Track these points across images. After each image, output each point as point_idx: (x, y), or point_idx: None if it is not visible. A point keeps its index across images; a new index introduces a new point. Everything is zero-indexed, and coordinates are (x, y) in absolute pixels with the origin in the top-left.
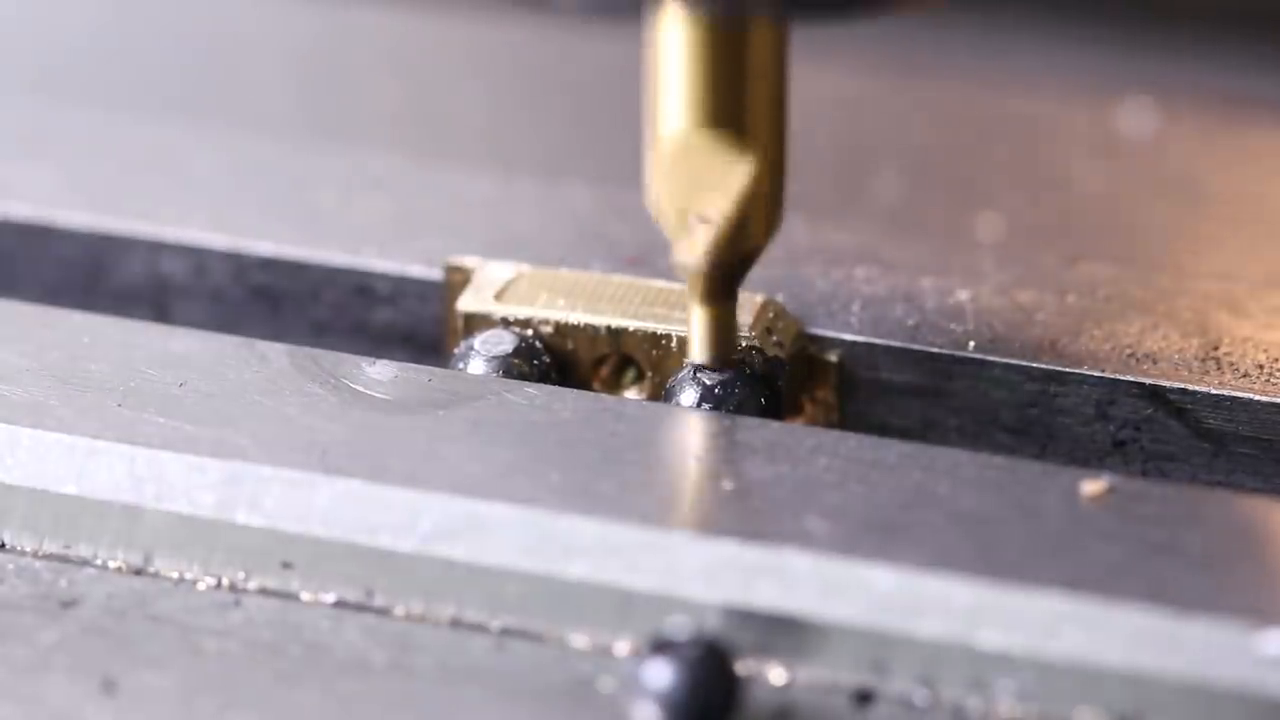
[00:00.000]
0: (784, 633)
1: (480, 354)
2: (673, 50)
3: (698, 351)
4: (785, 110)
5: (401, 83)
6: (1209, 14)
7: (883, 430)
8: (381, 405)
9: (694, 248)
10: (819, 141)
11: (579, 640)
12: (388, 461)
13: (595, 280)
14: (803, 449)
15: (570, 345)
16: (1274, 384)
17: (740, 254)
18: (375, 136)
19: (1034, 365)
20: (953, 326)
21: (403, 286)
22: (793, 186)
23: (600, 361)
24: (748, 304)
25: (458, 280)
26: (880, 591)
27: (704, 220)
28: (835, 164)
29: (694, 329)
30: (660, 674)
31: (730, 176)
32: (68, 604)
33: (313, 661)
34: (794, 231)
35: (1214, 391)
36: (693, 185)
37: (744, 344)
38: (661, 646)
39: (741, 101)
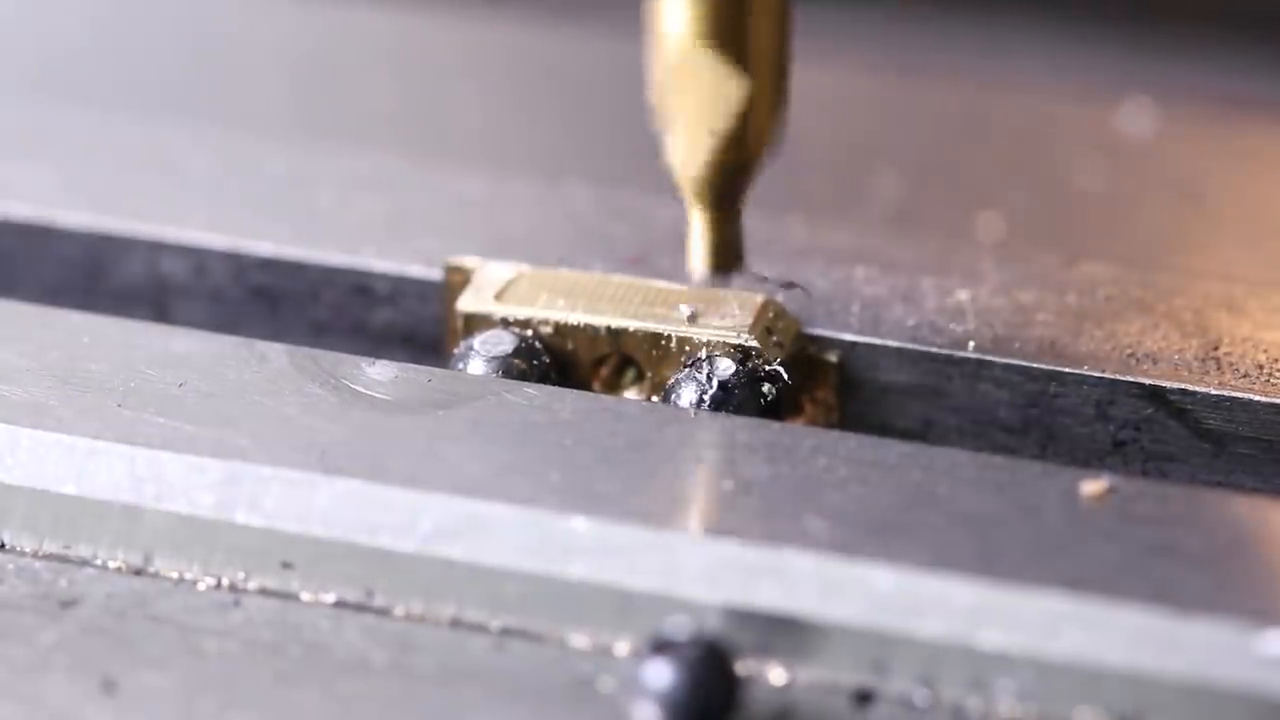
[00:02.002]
0: (784, 633)
1: (480, 354)
2: None
3: (697, 259)
4: (788, 24)
5: (399, 82)
6: (1209, 14)
7: (883, 430)
8: (381, 405)
9: (692, 155)
10: (819, 141)
11: (579, 640)
12: (388, 461)
13: (595, 280)
14: (803, 449)
15: (570, 345)
16: (1274, 384)
17: (738, 162)
18: (373, 137)
19: (1034, 365)
20: (953, 326)
21: (402, 286)
22: (793, 186)
23: (600, 361)
24: (748, 304)
25: (457, 280)
26: (880, 591)
27: (707, 133)
28: (835, 164)
29: (693, 237)
30: (660, 674)
31: (729, 88)
32: (68, 604)
33: (313, 661)
34: (794, 231)
35: (1214, 391)
36: (692, 93)
37: (745, 343)
38: (661, 646)
39: (743, 15)
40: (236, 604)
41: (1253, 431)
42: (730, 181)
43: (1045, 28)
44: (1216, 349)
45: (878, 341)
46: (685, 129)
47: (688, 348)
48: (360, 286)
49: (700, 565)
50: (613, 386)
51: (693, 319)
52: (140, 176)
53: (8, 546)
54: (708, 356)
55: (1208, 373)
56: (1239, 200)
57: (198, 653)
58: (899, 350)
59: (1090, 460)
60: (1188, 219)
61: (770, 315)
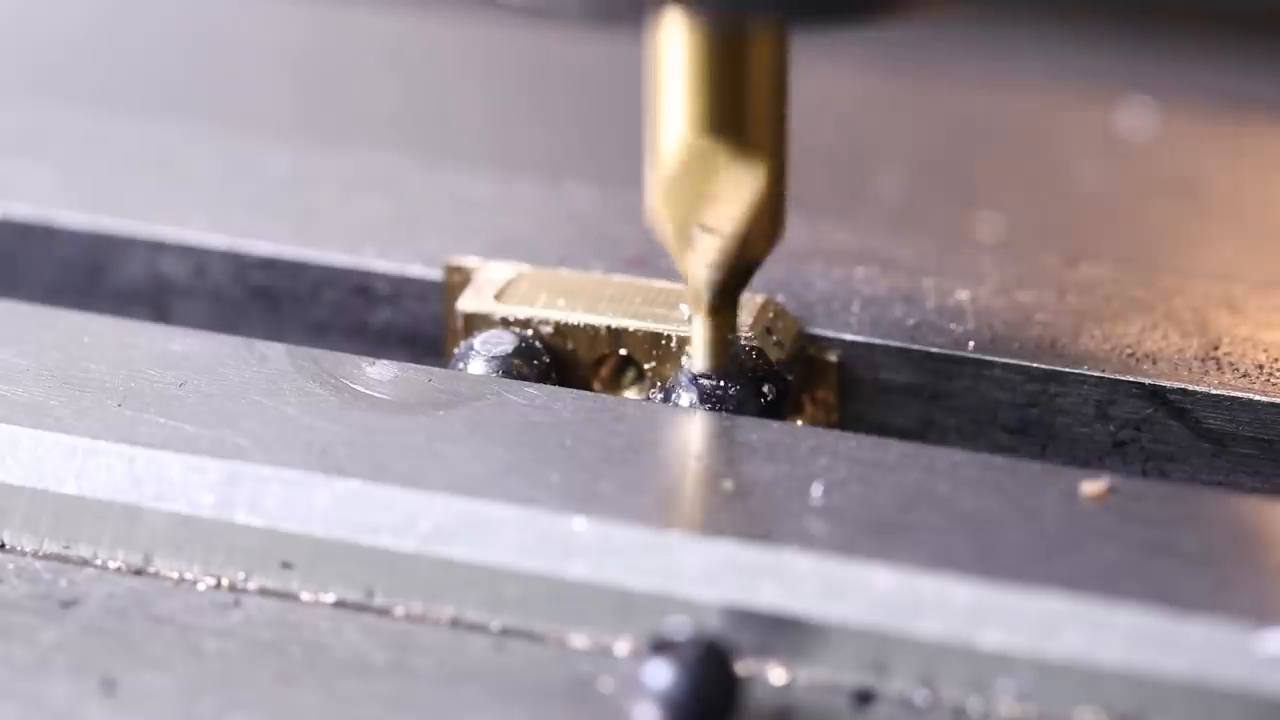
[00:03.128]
0: (784, 633)
1: (480, 354)
2: (675, 58)
3: (699, 361)
4: (787, 118)
5: (400, 82)
6: (1209, 14)
7: (883, 430)
8: (381, 405)
9: (699, 259)
10: (819, 141)
11: (579, 640)
12: (388, 461)
13: (595, 280)
14: (803, 449)
15: (570, 345)
16: (1274, 384)
17: (743, 263)
18: (374, 136)
19: (1034, 365)
20: (953, 326)
21: (402, 286)
22: (793, 186)
23: (600, 361)
24: (748, 304)
25: (458, 280)
26: (880, 591)
27: (709, 231)
28: (836, 164)
29: (695, 339)
30: (660, 674)
31: (736, 186)
32: (68, 604)
33: (313, 661)
34: (794, 231)
35: (1214, 391)
36: (696, 196)
37: (745, 344)
38: (661, 646)
39: (745, 109)
40: (236, 604)
41: (1253, 431)
42: (734, 282)
43: (1045, 28)
44: (1216, 349)
45: (878, 341)
46: (691, 234)
47: (688, 348)
48: (361, 286)
49: (700, 565)
50: (613, 386)
51: (693, 319)
52: (140, 176)
53: (8, 546)
54: None
55: (1208, 373)
56: (1239, 200)
57: (198, 653)
58: (899, 350)
59: (1090, 460)
60: (1188, 219)
61: (770, 315)
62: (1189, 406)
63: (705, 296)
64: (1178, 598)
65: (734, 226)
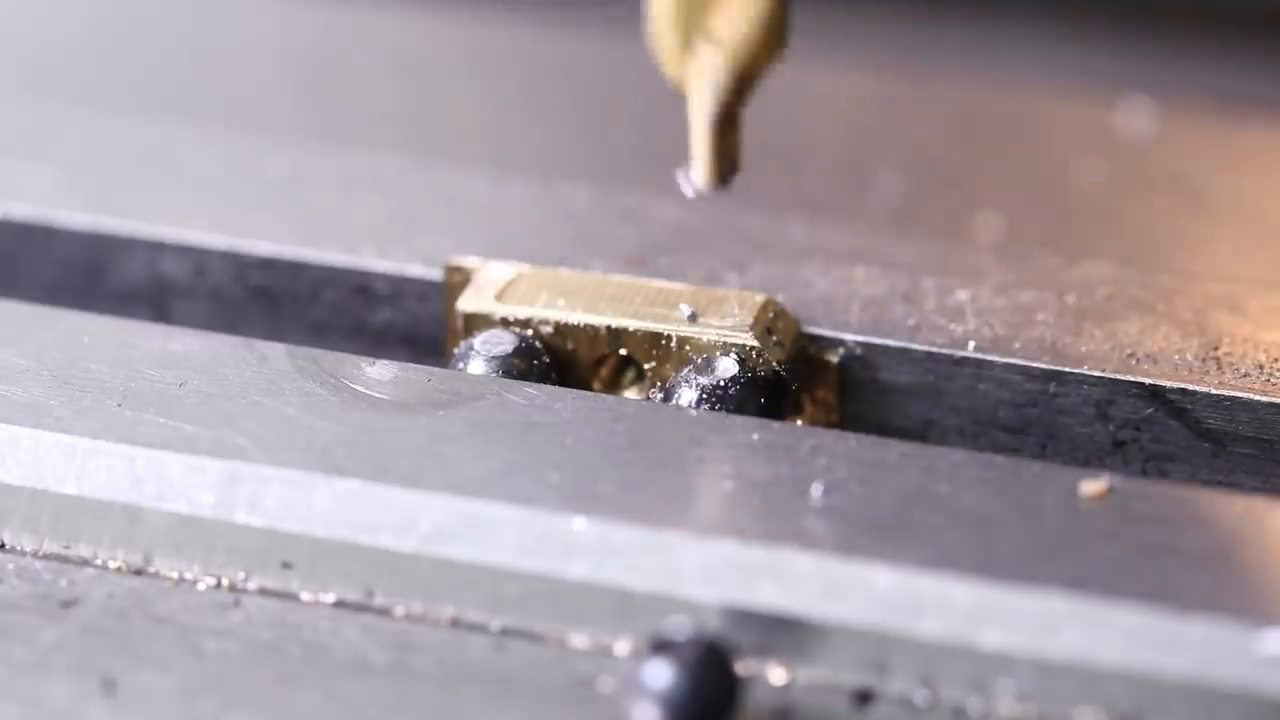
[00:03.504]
0: (784, 633)
1: (480, 354)
2: None
3: (700, 174)
4: None
5: (401, 82)
6: (1209, 14)
7: (883, 430)
8: (381, 405)
9: (702, 71)
10: (820, 140)
11: (579, 640)
12: (388, 461)
13: (595, 280)
14: (803, 449)
15: (570, 345)
16: (1274, 384)
17: (747, 74)
18: (374, 136)
19: (1034, 365)
20: (953, 326)
21: (402, 286)
22: (793, 186)
23: (600, 361)
24: (748, 303)
25: (458, 280)
26: (880, 591)
27: (711, 42)
28: (836, 163)
29: (696, 153)
30: (660, 674)
31: None
32: (68, 604)
33: (313, 661)
34: (794, 231)
35: (1214, 391)
36: (699, 7)
37: (745, 343)
38: (661, 646)
39: None
40: (236, 604)
41: (1253, 431)
42: (737, 90)
43: (1044, 27)
44: (1216, 349)
45: (878, 341)
46: (694, 38)
47: (688, 348)
48: (360, 286)
49: (700, 565)
50: (613, 386)
51: (693, 319)
52: (140, 176)
53: (8, 546)
54: (708, 357)
55: (1208, 373)
56: (1239, 200)
57: (198, 653)
58: (899, 350)
59: (1090, 460)
60: (1188, 219)
61: (770, 315)
62: (1189, 406)
63: (708, 108)
64: (1178, 598)
65: (737, 36)
